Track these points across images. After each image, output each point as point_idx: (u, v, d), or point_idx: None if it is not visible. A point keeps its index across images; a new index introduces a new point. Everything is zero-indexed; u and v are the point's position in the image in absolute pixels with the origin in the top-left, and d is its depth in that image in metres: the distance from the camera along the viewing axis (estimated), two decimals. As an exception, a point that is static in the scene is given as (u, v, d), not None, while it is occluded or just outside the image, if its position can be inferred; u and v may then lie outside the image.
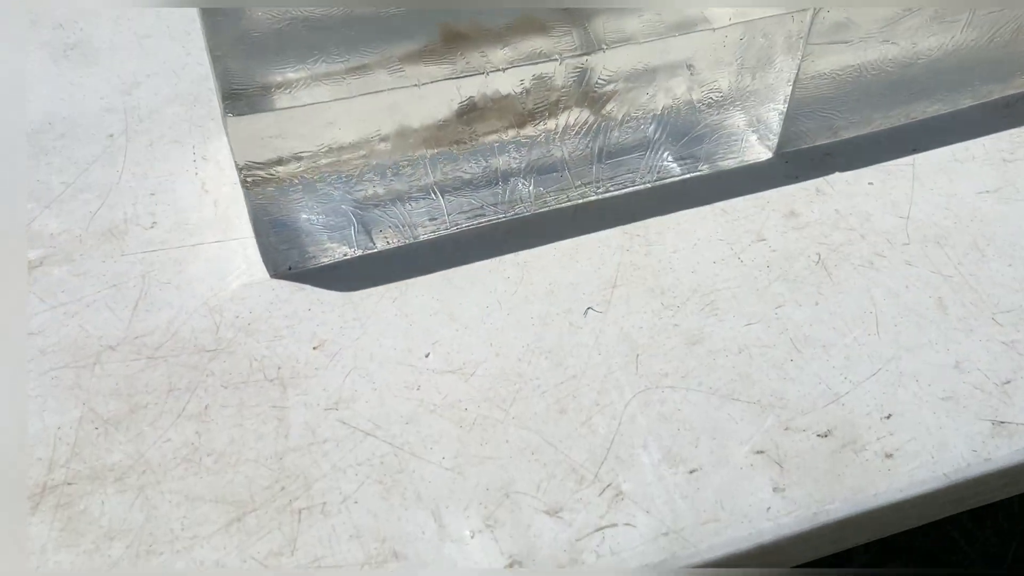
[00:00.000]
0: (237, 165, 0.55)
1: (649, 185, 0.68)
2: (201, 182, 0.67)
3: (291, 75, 0.56)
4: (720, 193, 0.68)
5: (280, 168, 0.56)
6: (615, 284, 0.62)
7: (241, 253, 0.63)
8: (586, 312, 0.61)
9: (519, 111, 0.60)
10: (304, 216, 0.59)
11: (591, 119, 0.61)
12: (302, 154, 0.56)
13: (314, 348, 0.59)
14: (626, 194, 0.67)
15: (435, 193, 0.61)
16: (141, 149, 0.69)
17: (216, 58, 0.56)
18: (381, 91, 0.55)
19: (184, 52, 0.76)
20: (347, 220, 0.61)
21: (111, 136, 0.70)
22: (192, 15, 0.78)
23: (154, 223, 0.65)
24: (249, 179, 0.56)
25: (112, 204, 0.66)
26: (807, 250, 0.65)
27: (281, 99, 0.54)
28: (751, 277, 0.63)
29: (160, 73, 0.74)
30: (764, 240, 0.65)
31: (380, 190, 0.60)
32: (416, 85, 0.55)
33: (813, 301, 0.62)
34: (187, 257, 0.63)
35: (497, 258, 0.64)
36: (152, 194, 0.66)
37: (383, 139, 0.57)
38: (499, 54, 0.58)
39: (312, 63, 0.57)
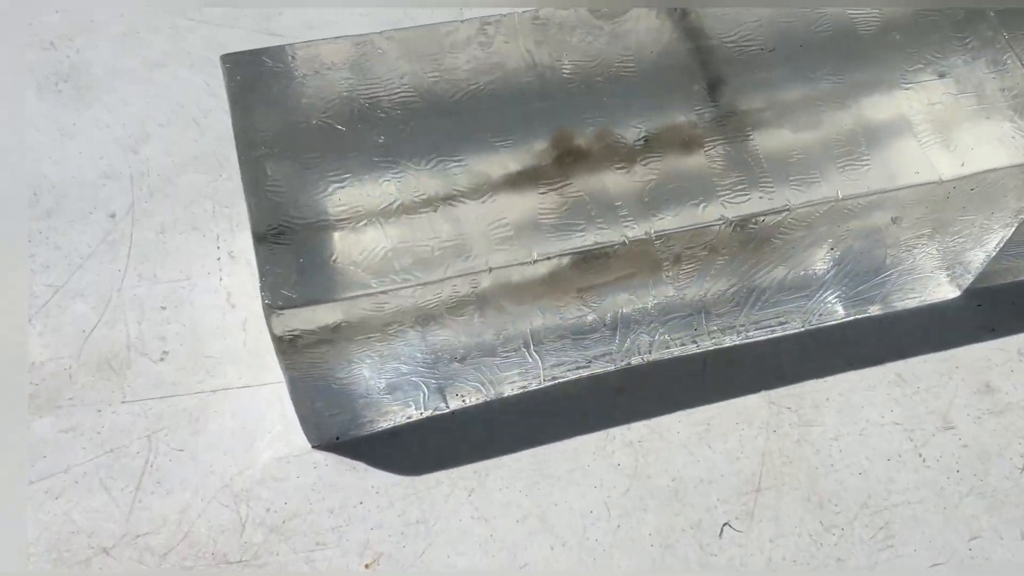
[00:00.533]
0: (271, 332, 0.40)
1: (803, 329, 0.53)
2: (226, 292, 0.52)
3: (345, 199, 0.41)
4: (894, 349, 0.52)
5: (332, 338, 0.41)
6: (759, 486, 0.48)
7: (276, 406, 0.49)
8: (722, 531, 0.47)
9: (655, 259, 0.44)
10: (360, 377, 0.45)
11: (749, 263, 0.46)
12: (365, 335, 0.41)
13: (366, 566, 0.45)
14: (772, 339, 0.53)
15: (530, 348, 0.47)
16: (150, 238, 0.54)
17: (248, 169, 0.41)
18: (475, 272, 0.39)
19: (206, 88, 0.59)
20: (416, 381, 0.46)
21: (112, 216, 0.54)
22: (220, 34, 0.61)
23: (165, 353, 0.50)
24: (287, 346, 0.41)
25: (112, 321, 0.51)
26: (1008, 448, 0.50)
27: (337, 267, 0.38)
28: (936, 487, 0.48)
29: (175, 121, 0.58)
30: (952, 428, 0.50)
31: (460, 348, 0.45)
32: (528, 262, 0.39)
33: (1018, 532, 0.48)
34: (206, 409, 0.49)
35: (604, 432, 0.50)
36: (163, 307, 0.52)
37: (470, 302, 0.42)
38: (631, 186, 0.42)
39: (381, 182, 0.41)
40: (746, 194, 0.43)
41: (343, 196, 0.41)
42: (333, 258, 0.38)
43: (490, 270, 0.38)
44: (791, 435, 0.49)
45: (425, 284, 0.38)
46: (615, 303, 0.45)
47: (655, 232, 0.40)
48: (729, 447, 0.49)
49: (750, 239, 0.43)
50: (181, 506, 0.46)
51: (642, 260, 0.43)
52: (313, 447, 0.48)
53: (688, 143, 0.46)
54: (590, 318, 0.45)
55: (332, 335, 0.39)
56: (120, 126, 0.57)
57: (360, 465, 0.48)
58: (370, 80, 0.45)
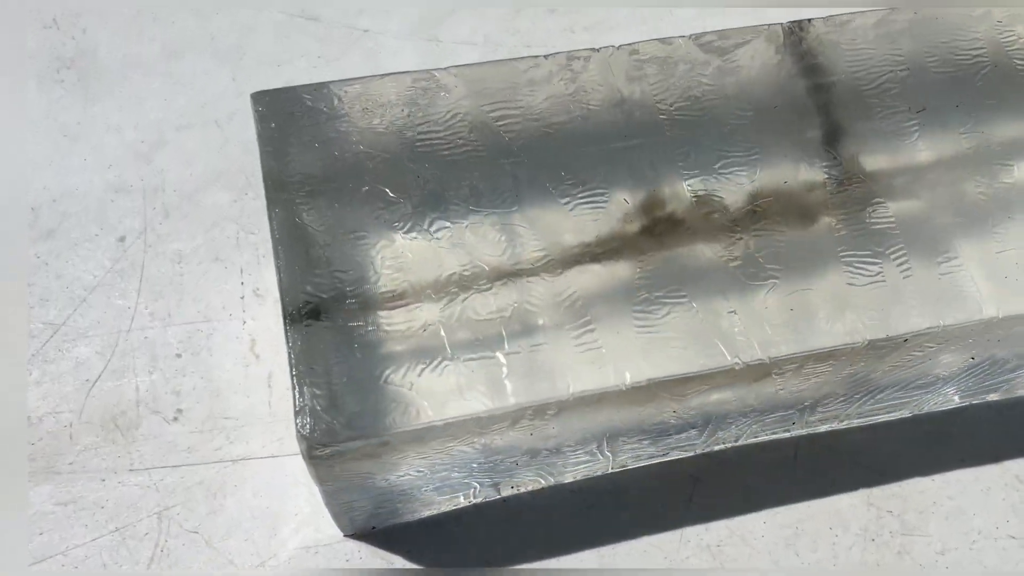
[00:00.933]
0: (302, 452, 0.33)
1: (909, 414, 0.46)
2: (250, 338, 0.46)
3: (391, 262, 0.34)
4: (1015, 444, 0.46)
5: (376, 454, 0.35)
6: (853, 608, 0.42)
7: (304, 482, 0.43)
8: (809, 663, 0.41)
9: (766, 372, 0.37)
10: (404, 482, 0.39)
11: (872, 370, 0.38)
12: (415, 452, 0.34)
13: None
14: (872, 425, 0.46)
15: (603, 447, 0.40)
16: (164, 269, 0.47)
17: (280, 225, 0.34)
18: (557, 400, 0.32)
19: (232, 85, 0.51)
20: (468, 481, 0.40)
21: (121, 240, 0.47)
22: (249, 17, 0.52)
23: (179, 411, 0.44)
24: (322, 464, 0.34)
25: (119, 369, 0.45)
26: None
27: (388, 388, 0.32)
28: (1058, 621, 0.42)
29: (195, 124, 0.50)
30: (1079, 547, 0.44)
31: (524, 453, 0.38)
32: (621, 388, 0.32)
33: None
34: (225, 483, 0.43)
35: (678, 532, 0.43)
36: (178, 355, 0.45)
37: (542, 420, 0.35)
38: (739, 281, 0.35)
39: (435, 243, 0.34)
40: (882, 305, 0.35)
41: (389, 260, 0.34)
42: (383, 378, 0.31)
43: (572, 396, 0.32)
44: (891, 545, 0.43)
45: (492, 416, 0.31)
46: (707, 403, 0.38)
47: (773, 358, 0.33)
48: (820, 557, 0.43)
49: (883, 352, 0.36)
50: (195, 602, 0.41)
51: (750, 374, 0.36)
52: (345, 536, 0.42)
53: (805, 214, 0.39)
54: (675, 421, 0.38)
55: (377, 451, 0.33)
56: (132, 128, 0.50)
57: (398, 560, 0.42)
58: (427, 122, 0.37)
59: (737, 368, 0.33)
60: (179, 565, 0.41)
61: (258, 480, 0.43)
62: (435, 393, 0.32)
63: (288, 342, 0.32)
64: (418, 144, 0.37)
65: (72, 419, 0.44)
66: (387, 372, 0.32)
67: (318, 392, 0.31)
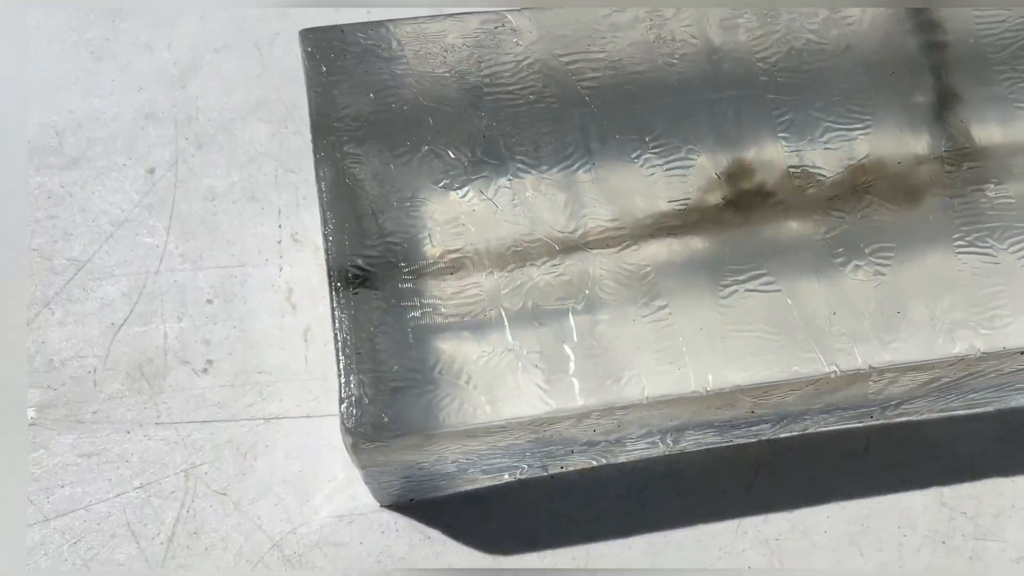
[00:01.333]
0: (345, 442, 0.30)
1: (991, 409, 0.42)
2: (287, 287, 0.42)
3: (442, 219, 0.30)
4: (1107, 448, 0.42)
5: (423, 444, 0.32)
6: (918, 616, 0.39)
7: (339, 445, 0.40)
8: (867, 671, 0.39)
9: (862, 378, 0.33)
10: (449, 464, 0.36)
11: (966, 374, 0.35)
12: (465, 443, 0.31)
13: (438, 670, 0.38)
14: (952, 417, 0.42)
15: (665, 438, 0.37)
16: (197, 206, 0.43)
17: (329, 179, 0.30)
18: (628, 403, 0.29)
19: (276, 1, 0.47)
20: (517, 464, 0.37)
21: (151, 173, 0.44)
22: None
23: (209, 362, 0.41)
24: (363, 452, 0.31)
25: (147, 313, 0.42)
26: None
27: (442, 380, 0.28)
28: None
29: (233, 47, 0.46)
30: None
31: (581, 444, 0.35)
32: (702, 393, 0.29)
33: None
34: (256, 443, 0.40)
35: (735, 522, 0.40)
36: (209, 301, 0.42)
37: (611, 412, 0.32)
38: (838, 274, 0.31)
39: (494, 204, 0.30)
40: (1002, 308, 0.31)
41: (446, 227, 0.31)
42: (438, 368, 0.28)
43: (647, 400, 0.29)
44: (963, 550, 0.40)
45: (555, 416, 0.28)
46: (786, 402, 0.35)
47: (874, 367, 0.29)
48: (886, 558, 0.40)
49: (997, 363, 0.32)
50: (222, 568, 0.38)
51: (844, 380, 0.32)
52: (382, 506, 0.40)
53: (914, 193, 0.34)
54: (749, 417, 0.35)
55: (425, 444, 0.30)
56: (164, 47, 0.46)
57: (436, 535, 0.40)
58: (494, 69, 0.33)
59: (833, 377, 0.29)
60: (205, 527, 0.39)
61: (291, 441, 0.41)
62: (493, 387, 0.28)
63: (334, 323, 0.28)
64: (483, 93, 0.33)
65: (96, 364, 0.41)
66: (441, 360, 0.29)
67: (365, 380, 0.28)
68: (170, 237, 0.43)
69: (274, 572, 0.38)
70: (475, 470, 0.35)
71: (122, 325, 0.41)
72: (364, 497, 0.40)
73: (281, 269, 0.43)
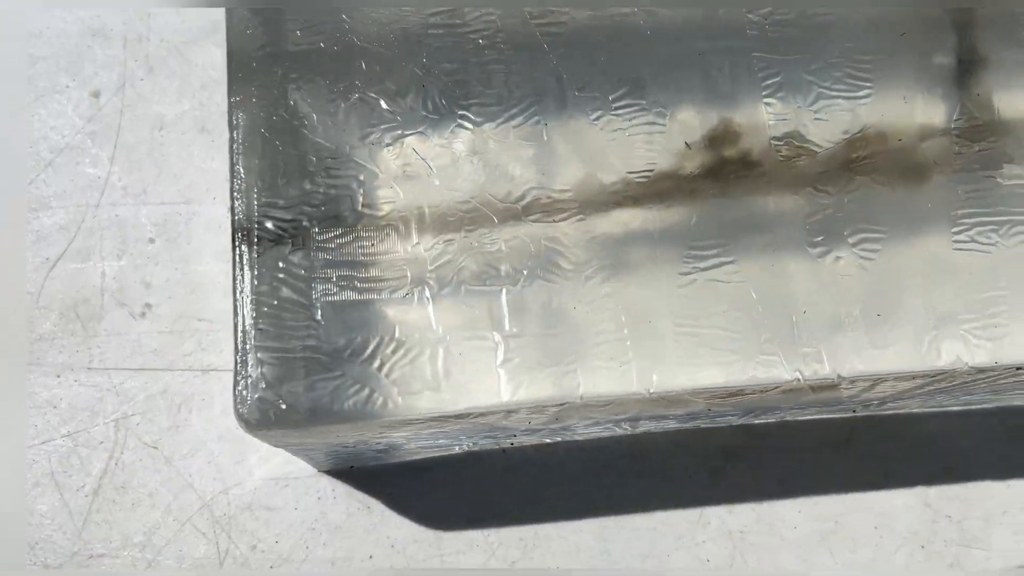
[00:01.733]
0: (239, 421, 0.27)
1: (991, 406, 0.39)
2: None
3: (385, 167, 0.27)
4: (1115, 456, 0.38)
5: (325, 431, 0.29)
6: (887, 625, 0.37)
7: (279, 402, 0.38)
8: None
9: (829, 386, 0.30)
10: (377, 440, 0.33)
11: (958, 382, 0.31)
12: (392, 429, 0.28)
13: (367, 645, 0.36)
14: (945, 412, 0.39)
15: (621, 425, 0.34)
16: (143, 135, 0.40)
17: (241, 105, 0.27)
18: (562, 401, 0.25)
19: (240, -89, 0.43)
20: (462, 439, 0.34)
21: (96, 96, 0.40)
22: None
23: (147, 306, 0.39)
24: (262, 429, 0.28)
25: (84, 249, 0.39)
26: None
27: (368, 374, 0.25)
28: (1124, 668, 0.37)
29: (193, -40, 0.42)
30: None
31: (528, 429, 0.32)
32: (644, 396, 0.25)
33: None
34: (192, 395, 0.38)
35: (698, 511, 0.38)
36: (151, 240, 0.39)
37: (543, 409, 0.29)
38: (816, 263, 0.27)
39: (440, 152, 0.27)
40: (1000, 316, 0.27)
41: (376, 187, 0.27)
42: (348, 351, 0.25)
43: (582, 399, 0.25)
44: (944, 555, 0.37)
45: (477, 411, 0.25)
46: (748, 401, 0.32)
47: (846, 376, 0.26)
48: (858, 559, 0.37)
49: (991, 377, 0.28)
50: (148, 525, 0.37)
51: (811, 387, 0.29)
52: (319, 471, 0.38)
53: (915, 171, 0.30)
54: (709, 413, 0.32)
55: (325, 433, 0.27)
56: (117, -43, 0.42)
57: (376, 505, 0.37)
58: (439, 3, 0.29)
59: (798, 384, 0.26)
60: (134, 481, 0.37)
61: (228, 396, 0.37)
62: (408, 377, 0.25)
63: (235, 292, 0.26)
64: (426, 35, 0.29)
65: (29, 301, 0.39)
66: (353, 343, 0.26)
67: (264, 359, 0.25)
68: (113, 168, 0.40)
69: (202, 532, 0.36)
70: (412, 446, 0.33)
71: (57, 261, 0.39)
72: (301, 461, 0.37)
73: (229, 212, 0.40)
